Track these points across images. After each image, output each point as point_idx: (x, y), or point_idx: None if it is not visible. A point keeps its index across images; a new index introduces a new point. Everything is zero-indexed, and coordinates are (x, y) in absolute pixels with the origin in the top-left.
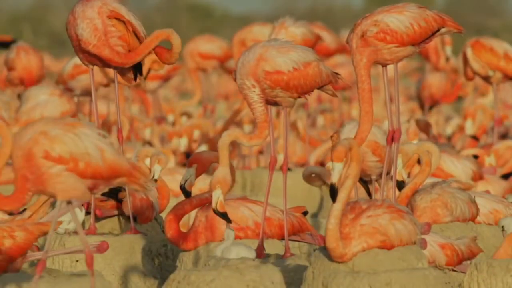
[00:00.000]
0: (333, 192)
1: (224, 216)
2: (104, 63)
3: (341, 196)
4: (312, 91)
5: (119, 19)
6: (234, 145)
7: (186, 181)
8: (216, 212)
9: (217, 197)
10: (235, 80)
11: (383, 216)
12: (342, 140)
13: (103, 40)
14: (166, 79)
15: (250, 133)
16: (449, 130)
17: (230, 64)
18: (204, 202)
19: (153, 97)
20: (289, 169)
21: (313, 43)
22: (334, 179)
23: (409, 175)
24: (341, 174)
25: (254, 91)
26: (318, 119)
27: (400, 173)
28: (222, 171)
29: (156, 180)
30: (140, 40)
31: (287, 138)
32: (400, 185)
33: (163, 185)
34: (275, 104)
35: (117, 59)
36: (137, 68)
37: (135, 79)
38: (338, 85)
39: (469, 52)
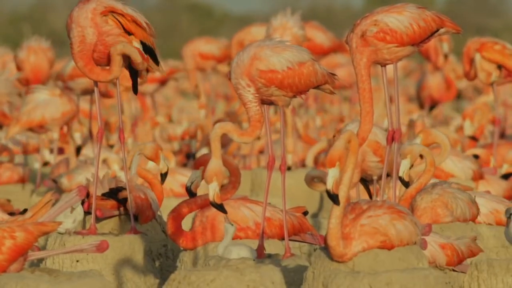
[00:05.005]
0: (332, 198)
1: (220, 207)
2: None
3: (341, 194)
4: (308, 90)
5: (115, 13)
6: (235, 144)
7: (192, 183)
8: (214, 204)
9: (214, 189)
10: (230, 79)
11: (384, 216)
12: (337, 139)
13: (85, 52)
14: (162, 82)
15: (243, 129)
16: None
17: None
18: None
19: (151, 99)
20: (289, 169)
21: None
22: (329, 185)
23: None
24: (336, 178)
25: (249, 91)
26: (316, 119)
27: (408, 173)
28: (215, 163)
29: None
30: (143, 29)
31: (284, 138)
32: (406, 185)
33: (156, 182)
34: (271, 103)
35: (88, 74)
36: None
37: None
38: (335, 85)
39: (478, 58)
